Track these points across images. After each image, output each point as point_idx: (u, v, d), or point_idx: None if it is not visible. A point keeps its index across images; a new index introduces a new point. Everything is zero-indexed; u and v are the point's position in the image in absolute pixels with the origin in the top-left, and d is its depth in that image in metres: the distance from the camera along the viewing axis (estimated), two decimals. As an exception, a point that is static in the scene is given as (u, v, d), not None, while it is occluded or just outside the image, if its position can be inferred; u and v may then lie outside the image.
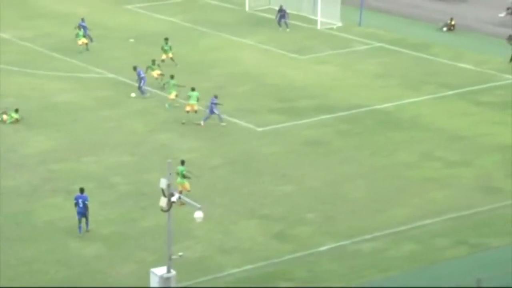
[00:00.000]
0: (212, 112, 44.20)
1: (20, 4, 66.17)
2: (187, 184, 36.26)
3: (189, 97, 44.68)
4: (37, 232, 34.06)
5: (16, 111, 44.29)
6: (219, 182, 37.97)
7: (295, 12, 63.29)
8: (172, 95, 45.52)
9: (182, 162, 36.66)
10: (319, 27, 61.25)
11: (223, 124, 44.13)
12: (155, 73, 49.40)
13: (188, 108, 44.55)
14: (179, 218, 32.02)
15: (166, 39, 52.96)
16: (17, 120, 43.92)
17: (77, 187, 35.82)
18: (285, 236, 34.15)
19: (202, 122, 44.12)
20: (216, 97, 44.50)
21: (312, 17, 62.17)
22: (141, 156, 40.90)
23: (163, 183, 28.25)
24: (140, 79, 47.88)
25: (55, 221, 34.85)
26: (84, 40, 55.50)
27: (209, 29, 60.74)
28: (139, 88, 47.96)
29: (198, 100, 44.51)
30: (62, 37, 58.11)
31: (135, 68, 48.38)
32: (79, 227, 33.86)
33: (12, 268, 31.64)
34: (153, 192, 34.78)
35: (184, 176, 36.24)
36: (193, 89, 45.09)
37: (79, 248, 33.06)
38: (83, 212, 33.78)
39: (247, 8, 65.15)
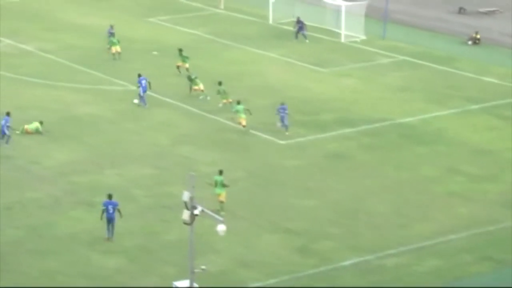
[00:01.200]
0: (283, 119, 44.58)
1: (43, 16, 66.41)
2: (224, 194, 36.00)
3: (237, 112, 44.54)
4: (59, 244, 33.97)
5: (41, 123, 44.27)
6: (242, 195, 37.74)
7: (318, 25, 63.11)
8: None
9: (220, 172, 36.46)
10: (342, 40, 61.03)
11: (287, 133, 44.45)
12: (198, 87, 49.46)
13: (244, 123, 44.39)
14: (201, 232, 31.78)
15: (181, 50, 52.91)
16: (38, 131, 43.84)
17: (99, 200, 35.77)
18: (308, 250, 33.85)
19: (287, 133, 44.47)
20: (283, 104, 44.90)
21: (336, 30, 61.96)
22: (163, 168, 40.75)
23: (185, 196, 28.06)
24: (140, 87, 47.87)
25: (77, 233, 34.73)
26: (118, 48, 55.60)
27: (232, 42, 60.66)
28: (140, 96, 47.96)
29: (244, 112, 44.53)
30: (85, 50, 58.20)
31: (139, 75, 48.44)
32: (108, 230, 34.06)
33: (34, 280, 31.55)
34: (175, 205, 34.69)
35: (223, 186, 36.02)
36: (238, 103, 45.00)
37: (101, 260, 32.91)
38: (112, 219, 33.95)
39: (270, 21, 65.04)
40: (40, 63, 55.72)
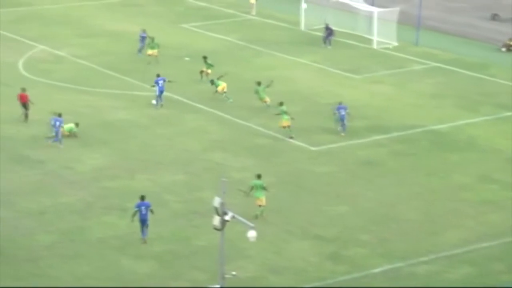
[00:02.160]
0: (343, 118, 45.13)
1: (76, 22, 66.91)
2: (264, 198, 36.15)
3: (282, 112, 44.56)
4: (91, 249, 34.16)
5: (77, 125, 44.64)
6: (272, 201, 37.71)
7: (350, 32, 63.03)
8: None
9: (259, 176, 36.59)
10: (375, 46, 60.88)
11: (343, 134, 44.98)
12: (220, 88, 49.75)
13: (285, 124, 44.48)
14: (232, 237, 31.84)
15: (205, 57, 53.15)
16: (72, 132, 44.18)
17: (130, 205, 35.95)
18: (339, 257, 33.78)
19: (342, 133, 45.23)
20: (341, 103, 45.46)
21: (368, 36, 61.83)
22: (194, 174, 40.87)
23: (216, 201, 28.11)
24: (157, 87, 48.47)
25: (108, 238, 34.92)
26: (154, 52, 56.01)
27: (264, 48, 60.73)
28: (156, 96, 48.57)
29: (287, 113, 44.65)
30: (117, 55, 58.56)
31: (157, 76, 48.96)
32: (143, 232, 34.38)
33: (65, 285, 31.74)
34: (206, 210, 34.77)
35: (263, 189, 36.14)
36: (281, 104, 45.05)
37: (131, 265, 33.07)
38: (145, 220, 34.27)
39: (302, 27, 65.03)
40: (73, 69, 56.13)
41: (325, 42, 61.00)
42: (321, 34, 62.52)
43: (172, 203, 37.90)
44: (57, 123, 43.55)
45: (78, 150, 43.40)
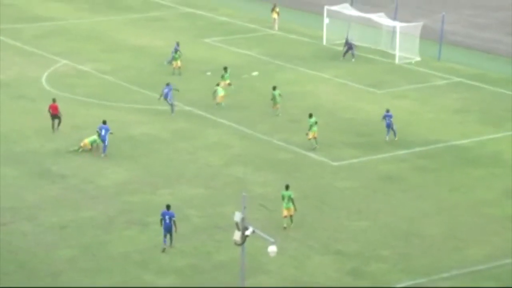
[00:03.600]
0: (389, 126, 46.17)
1: (99, 37, 67.27)
2: (293, 208, 36.41)
3: (312, 125, 44.99)
4: (112, 264, 34.19)
5: (99, 135, 44.95)
6: (294, 216, 37.58)
7: (372, 46, 62.94)
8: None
9: (287, 187, 36.66)
10: (397, 61, 60.73)
11: (387, 139, 46.08)
12: (220, 97, 50.97)
13: (310, 136, 44.98)
14: (253, 252, 31.80)
15: (225, 68, 53.60)
16: (95, 143, 44.44)
17: (152, 220, 36.05)
18: (360, 273, 33.60)
19: (387, 138, 46.43)
20: (388, 111, 46.48)
21: (390, 51, 61.70)
22: (216, 189, 40.86)
23: (237, 216, 28.08)
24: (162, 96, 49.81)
25: (130, 253, 34.94)
26: (178, 63, 56.72)
27: (286, 62, 60.76)
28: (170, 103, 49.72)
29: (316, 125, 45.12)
30: (140, 70, 58.80)
31: (167, 84, 50.02)
32: (164, 241, 34.86)
33: (86, 299, 31.77)
34: (227, 225, 34.75)
35: (291, 200, 36.40)
36: (311, 116, 45.39)
37: (153, 280, 33.05)
38: (169, 228, 34.75)
39: (324, 42, 65.02)
40: (97, 84, 56.39)
41: (344, 56, 60.97)
42: (342, 48, 62.47)
43: (193, 217, 37.89)
44: (103, 131, 44.18)
45: (100, 164, 43.52)
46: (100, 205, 39.01)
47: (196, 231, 36.67)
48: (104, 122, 44.87)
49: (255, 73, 57.63)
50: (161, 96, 49.89)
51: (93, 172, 42.57)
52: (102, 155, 44.27)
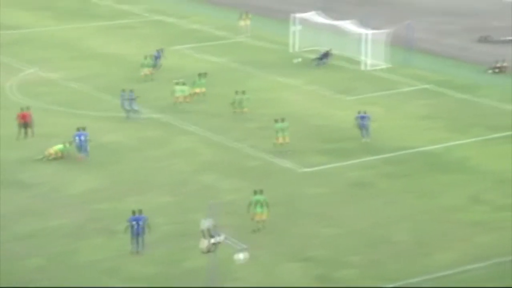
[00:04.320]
0: (363, 127, 46.98)
1: (67, 45, 66.99)
2: (266, 213, 36.63)
3: (278, 130, 45.38)
4: (81, 272, 34.08)
5: (70, 143, 44.69)
6: (261, 226, 37.62)
7: (341, 53, 63.22)
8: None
9: (260, 192, 37.01)
10: (365, 68, 61.06)
11: (367, 140, 46.58)
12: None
13: (280, 141, 45.20)
14: (222, 260, 31.83)
15: (200, 75, 53.99)
16: (62, 151, 44.27)
17: (120, 227, 35.96)
18: (329, 279, 33.74)
19: (368, 140, 46.85)
20: (360, 112, 47.17)
21: (358, 58, 62.02)
22: (185, 196, 40.86)
23: (203, 224, 28.10)
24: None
25: (99, 261, 34.84)
26: (146, 71, 56.98)
27: (255, 69, 60.89)
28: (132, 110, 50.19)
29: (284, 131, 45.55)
30: (109, 78, 58.63)
31: (130, 91, 50.75)
32: (136, 246, 34.86)
33: (54, 308, 31.64)
34: (196, 233, 34.63)
35: (267, 205, 36.65)
36: (282, 120, 45.71)
37: (121, 288, 32.98)
38: (139, 232, 34.72)
39: (293, 49, 65.21)
40: (65, 92, 56.15)
41: (315, 61, 61.24)
42: (313, 56, 62.71)
43: (162, 225, 37.84)
44: (82, 137, 44.29)
45: (68, 173, 43.37)
46: (69, 214, 38.86)
47: (165, 239, 36.64)
48: (83, 129, 44.98)
49: (297, 60, 59.06)
50: (123, 102, 50.36)
51: (62, 180, 42.41)
52: (85, 158, 44.41)
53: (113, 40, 68.54)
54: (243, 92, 51.15)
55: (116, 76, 58.75)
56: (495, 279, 33.75)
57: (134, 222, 35.09)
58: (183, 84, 53.24)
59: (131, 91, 51.03)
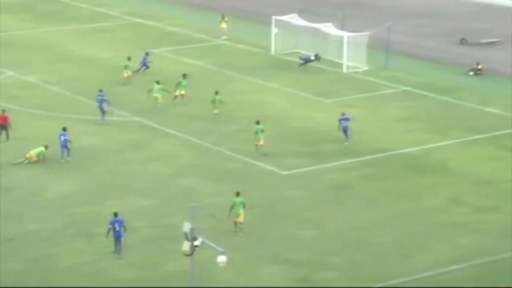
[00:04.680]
0: (345, 130, 47.35)
1: (45, 48, 66.66)
2: (243, 215, 36.66)
3: (257, 132, 45.60)
4: (60, 276, 33.87)
5: (46, 147, 44.49)
6: (243, 226, 37.57)
7: (321, 55, 63.20)
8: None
9: (238, 194, 36.98)
10: (345, 70, 61.12)
11: (346, 143, 46.97)
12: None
13: (261, 143, 45.41)
14: (202, 263, 31.70)
15: (184, 76, 54.00)
16: (42, 155, 44.03)
17: (99, 231, 35.79)
18: (309, 281, 33.70)
19: (346, 143, 47.28)
20: (343, 114, 47.68)
21: (338, 60, 62.07)
22: (165, 199, 40.70)
23: (186, 227, 28.02)
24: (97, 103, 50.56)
25: (78, 265, 34.64)
26: (129, 73, 57.10)
27: (235, 72, 60.80)
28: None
29: (263, 132, 45.71)
30: (88, 81, 58.34)
31: (100, 90, 50.95)
32: (116, 248, 34.83)
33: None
34: (176, 236, 34.56)
35: (244, 207, 36.66)
36: (258, 123, 45.81)
37: (100, 292, 32.79)
38: (120, 235, 34.65)
39: (272, 52, 65.23)
40: (43, 95, 55.86)
41: (300, 62, 61.34)
42: (292, 59, 62.71)
43: (142, 228, 37.67)
44: (62, 137, 44.56)
45: (47, 176, 43.11)
46: (47, 218, 38.62)
47: (145, 242, 36.46)
48: (64, 129, 45.03)
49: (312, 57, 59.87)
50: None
51: (40, 184, 42.14)
52: (63, 161, 44.39)
53: (92, 43, 68.26)
54: (216, 93, 51.08)
55: (95, 79, 58.45)
56: (475, 280, 33.82)
57: (116, 224, 35.00)
58: (158, 82, 53.46)
59: (100, 90, 50.97)
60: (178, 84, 53.72)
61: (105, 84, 57.06)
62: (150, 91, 53.03)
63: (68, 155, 44.69)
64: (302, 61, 61.48)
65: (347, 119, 47.73)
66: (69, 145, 44.66)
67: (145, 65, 59.58)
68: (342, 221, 38.64)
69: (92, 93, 55.55)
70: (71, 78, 59.23)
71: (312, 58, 61.33)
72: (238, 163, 44.96)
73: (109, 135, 48.81)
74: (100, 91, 51.07)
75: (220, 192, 41.08)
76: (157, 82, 53.37)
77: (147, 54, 60.46)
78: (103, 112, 50.40)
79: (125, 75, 57.65)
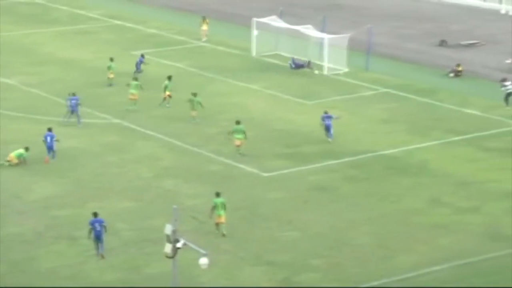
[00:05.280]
0: (328, 129, 47.81)
1: (25, 50, 66.40)
2: (224, 216, 36.69)
3: (235, 131, 45.65)
4: (41, 279, 33.74)
5: (27, 149, 44.32)
6: (225, 226, 37.56)
7: (301, 58, 63.33)
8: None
9: (218, 194, 36.94)
10: (325, 72, 61.24)
11: (330, 140, 47.69)
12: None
13: (238, 143, 45.27)
14: (184, 265, 31.66)
15: (170, 77, 54.16)
16: (22, 157, 43.86)
17: (80, 234, 35.68)
18: (291, 283, 33.73)
19: (330, 139, 47.90)
20: (326, 112, 48.20)
21: (319, 62, 62.20)
22: (146, 202, 40.62)
23: (168, 229, 27.98)
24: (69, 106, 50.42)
25: (59, 268, 34.51)
26: (111, 75, 57.16)
27: (216, 74, 60.79)
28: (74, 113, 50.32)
29: (244, 133, 45.71)
30: (68, 83, 58.11)
31: (73, 94, 50.82)
32: (98, 248, 34.83)
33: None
34: (158, 238, 34.52)
35: (225, 207, 36.69)
36: (238, 122, 45.65)
37: (82, 295, 32.68)
38: (100, 235, 34.61)
39: (253, 54, 65.27)
40: (23, 97, 55.62)
41: (293, 66, 61.31)
42: (273, 61, 62.76)
43: (123, 231, 37.58)
44: (48, 138, 44.87)
45: (28, 178, 42.93)
46: (28, 220, 38.45)
47: (126, 245, 36.37)
48: (50, 129, 45.09)
49: (316, 72, 59.64)
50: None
51: (21, 186, 41.95)
52: (51, 160, 44.67)
53: (72, 45, 68.05)
54: (194, 95, 51.10)
55: (76, 81, 58.28)
56: (455, 281, 33.97)
57: (96, 224, 34.96)
58: (136, 79, 53.67)
59: (74, 94, 50.90)
60: (165, 87, 53.68)
61: (86, 86, 57.01)
62: (128, 85, 53.09)
63: (53, 156, 44.71)
64: (294, 66, 61.33)
65: (329, 117, 47.99)
66: (55, 147, 44.79)
67: (139, 66, 59.39)
68: (323, 223, 38.71)
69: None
70: (51, 80, 59.01)
71: (305, 64, 61.23)
72: (219, 165, 44.94)
73: (90, 137, 48.66)
74: (73, 94, 50.88)
75: (201, 194, 41.04)
76: (135, 79, 53.36)
77: (142, 56, 60.28)
78: (77, 115, 50.06)
79: (110, 76, 57.41)
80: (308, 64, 61.38)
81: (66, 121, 49.97)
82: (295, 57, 62.04)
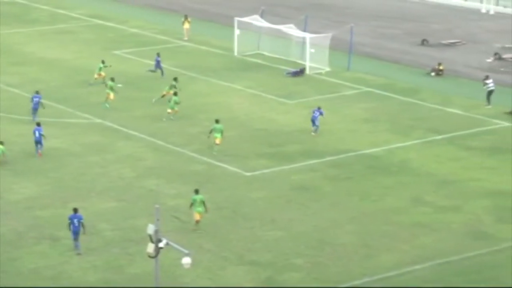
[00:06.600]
0: (314, 122, 48.83)
1: (6, 50, 66.09)
2: (202, 213, 36.98)
3: (214, 129, 45.93)
4: (23, 280, 33.60)
5: (1, 143, 44.26)
6: (207, 227, 37.62)
7: (283, 57, 63.46)
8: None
9: (197, 191, 36.99)
10: (307, 72, 61.33)
11: (314, 134, 48.65)
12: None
13: (218, 141, 45.67)
14: (167, 265, 31.65)
15: (175, 79, 54.50)
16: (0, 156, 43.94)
17: (62, 234, 35.58)
18: (274, 282, 33.77)
19: (313, 133, 48.94)
20: (319, 108, 49.28)
21: (301, 62, 62.29)
22: (128, 202, 40.55)
23: (150, 229, 27.96)
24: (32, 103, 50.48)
25: (41, 268, 34.39)
26: (101, 74, 56.94)
27: (198, 74, 60.76)
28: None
29: (222, 132, 45.83)
30: (49, 83, 57.97)
31: (36, 92, 50.85)
32: (77, 245, 34.97)
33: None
34: (140, 238, 34.50)
35: (204, 204, 36.84)
36: (217, 121, 45.96)
37: (64, 295, 32.60)
38: (78, 232, 34.76)
39: (235, 53, 65.28)
40: (4, 97, 55.36)
41: (289, 73, 61.07)
42: (255, 60, 62.77)
43: (105, 231, 37.50)
44: (37, 132, 45.22)
45: (9, 179, 42.74)
46: (9, 221, 38.29)
47: (109, 245, 36.31)
48: (38, 124, 45.53)
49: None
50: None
51: (2, 187, 41.77)
52: (37, 154, 45.07)
53: (53, 44, 67.83)
54: (175, 94, 51.07)
55: (57, 81, 58.11)
56: (437, 280, 34.11)
57: (75, 220, 35.13)
58: (112, 80, 53.62)
59: (37, 92, 50.94)
60: (171, 87, 53.72)
61: (67, 86, 56.85)
62: (106, 85, 53.35)
63: (40, 148, 45.33)
64: (289, 73, 61.14)
65: (319, 111, 49.13)
66: (43, 141, 45.18)
67: (158, 66, 59.19)
68: (305, 222, 38.78)
69: (55, 95, 55.34)
70: (33, 80, 58.78)
71: (299, 71, 61.11)
72: (201, 165, 44.93)
73: (71, 137, 48.52)
74: (37, 92, 50.88)
75: (184, 193, 41.00)
76: (112, 79, 53.25)
77: (158, 54, 59.97)
78: (35, 112, 50.12)
79: (96, 76, 57.05)
80: (301, 71, 61.13)
81: (32, 120, 49.89)
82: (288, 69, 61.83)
